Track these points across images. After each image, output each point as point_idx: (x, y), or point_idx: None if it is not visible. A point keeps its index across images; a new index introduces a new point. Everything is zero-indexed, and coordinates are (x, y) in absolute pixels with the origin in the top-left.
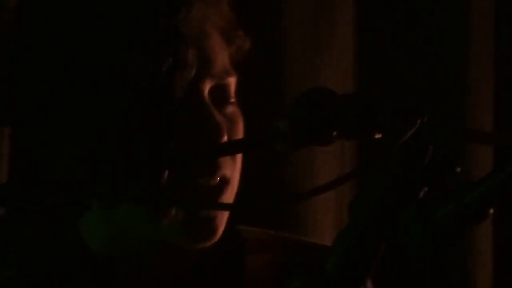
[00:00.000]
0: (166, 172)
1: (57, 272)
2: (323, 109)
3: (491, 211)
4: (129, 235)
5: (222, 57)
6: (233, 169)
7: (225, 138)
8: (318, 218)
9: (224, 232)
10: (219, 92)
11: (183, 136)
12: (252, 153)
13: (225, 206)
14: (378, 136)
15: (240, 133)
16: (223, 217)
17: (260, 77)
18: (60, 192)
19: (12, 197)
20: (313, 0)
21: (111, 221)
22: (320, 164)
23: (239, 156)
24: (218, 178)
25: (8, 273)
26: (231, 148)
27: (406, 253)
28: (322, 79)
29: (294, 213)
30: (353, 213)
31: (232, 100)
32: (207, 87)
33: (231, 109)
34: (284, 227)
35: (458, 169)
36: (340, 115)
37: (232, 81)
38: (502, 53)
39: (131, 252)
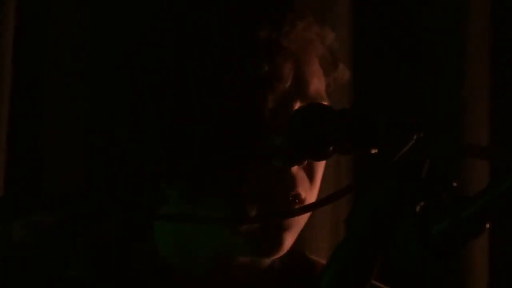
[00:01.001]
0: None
1: (121, 275)
2: (319, 124)
3: (487, 225)
4: (198, 243)
5: (317, 81)
6: (309, 191)
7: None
8: (314, 233)
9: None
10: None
11: (265, 145)
12: (249, 168)
13: (220, 220)
14: (374, 151)
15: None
16: (292, 232)
17: None
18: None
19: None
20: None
21: (182, 228)
22: None
23: (318, 179)
24: (292, 197)
25: (72, 272)
26: (229, 161)
27: (402, 267)
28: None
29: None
30: (349, 228)
31: None
32: (297, 105)
33: None
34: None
35: (455, 184)
36: (336, 130)
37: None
38: (497, 68)
39: (198, 264)
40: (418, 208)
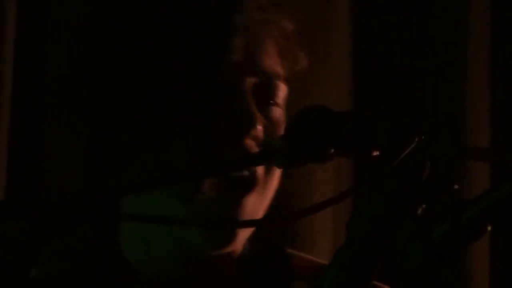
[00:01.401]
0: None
1: (84, 276)
2: (320, 127)
3: (488, 228)
4: (159, 245)
5: (271, 61)
6: (267, 175)
7: (259, 131)
8: (315, 236)
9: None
10: (264, 91)
11: (218, 122)
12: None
13: (223, 224)
14: (375, 154)
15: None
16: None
17: None
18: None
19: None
20: (309, 19)
21: (143, 232)
22: (317, 182)
23: (273, 181)
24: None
25: (33, 272)
26: (230, 165)
27: (402, 270)
28: (319, 98)
29: (291, 231)
30: (350, 231)
31: (277, 102)
32: (251, 81)
33: (274, 111)
34: (280, 245)
35: (455, 187)
36: (337, 132)
37: (279, 85)
38: (498, 72)
39: (162, 265)
40: (418, 211)
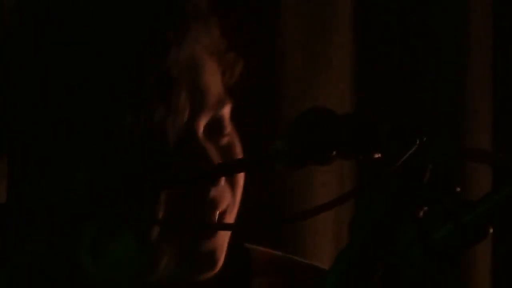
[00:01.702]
0: (165, 199)
1: None
2: (322, 128)
3: (490, 230)
4: (128, 270)
5: (216, 86)
6: (233, 200)
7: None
8: (317, 238)
9: (233, 250)
10: (214, 125)
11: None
12: (251, 173)
13: (224, 227)
14: (377, 156)
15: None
16: (224, 248)
17: (258, 98)
18: (56, 213)
19: (11, 216)
20: (311, 21)
21: (109, 255)
22: (319, 183)
23: (239, 186)
24: (218, 213)
25: None
26: (231, 169)
27: (404, 272)
28: (320, 99)
29: (293, 233)
30: (352, 233)
31: (227, 130)
32: (201, 124)
33: (226, 139)
34: (282, 247)
35: (457, 189)
36: (339, 134)
37: (227, 111)
38: (500, 72)
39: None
40: (420, 213)
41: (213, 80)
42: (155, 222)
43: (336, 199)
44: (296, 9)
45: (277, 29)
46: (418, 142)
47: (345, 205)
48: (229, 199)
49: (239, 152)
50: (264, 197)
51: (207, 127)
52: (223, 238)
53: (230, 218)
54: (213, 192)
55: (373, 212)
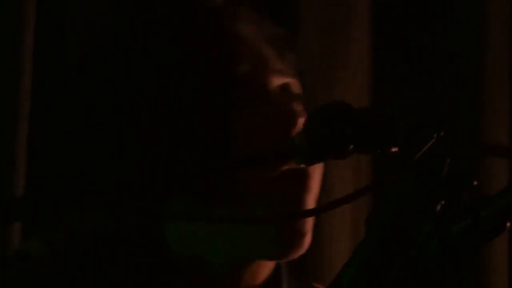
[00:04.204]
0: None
1: (136, 280)
2: (339, 123)
3: (508, 225)
4: (214, 247)
5: (278, 63)
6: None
7: (301, 121)
8: (334, 232)
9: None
10: (285, 90)
11: (252, 134)
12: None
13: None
14: (394, 150)
15: None
16: (310, 233)
17: None
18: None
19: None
20: (328, 16)
21: (196, 232)
22: (336, 178)
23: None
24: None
25: (96, 275)
26: (249, 162)
27: (421, 267)
28: (338, 95)
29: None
30: (369, 228)
31: (298, 101)
32: (272, 83)
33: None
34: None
35: (475, 183)
36: (356, 129)
37: (295, 82)
38: None
39: (213, 267)
40: (438, 208)
41: (275, 59)
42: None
43: (353, 194)
44: (314, 5)
45: (295, 26)
46: (435, 136)
47: (362, 200)
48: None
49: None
50: None
51: (283, 89)
52: (311, 222)
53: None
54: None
55: (390, 207)
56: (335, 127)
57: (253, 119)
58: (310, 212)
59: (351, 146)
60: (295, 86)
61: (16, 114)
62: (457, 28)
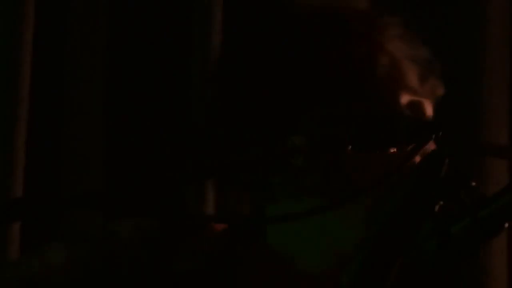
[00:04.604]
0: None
1: (230, 269)
2: (338, 123)
3: (506, 225)
4: (317, 241)
5: (415, 82)
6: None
7: None
8: None
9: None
10: (415, 108)
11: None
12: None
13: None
14: (393, 150)
15: None
16: None
17: None
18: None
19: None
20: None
21: (296, 227)
22: None
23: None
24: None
25: (177, 267)
26: (246, 163)
27: (420, 266)
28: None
29: None
30: (369, 227)
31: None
32: (402, 100)
33: None
34: None
35: (474, 183)
36: (355, 129)
37: (427, 103)
38: None
39: (316, 261)
40: (437, 208)
41: (413, 79)
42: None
43: (352, 194)
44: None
45: None
46: (434, 136)
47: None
48: None
49: None
50: None
51: (407, 107)
52: None
53: None
54: None
55: (390, 206)
56: (333, 127)
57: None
58: (310, 212)
59: (350, 147)
60: (427, 107)
61: (15, 115)
62: (457, 28)
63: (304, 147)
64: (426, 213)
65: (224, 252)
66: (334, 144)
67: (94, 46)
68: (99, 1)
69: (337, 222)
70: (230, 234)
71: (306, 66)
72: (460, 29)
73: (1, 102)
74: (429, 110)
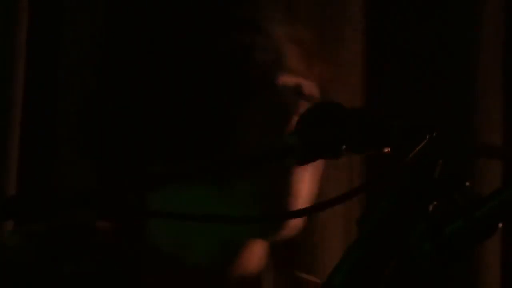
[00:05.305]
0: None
1: (117, 270)
2: (332, 123)
3: (500, 225)
4: (201, 235)
5: (296, 63)
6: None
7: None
8: (326, 232)
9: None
10: (295, 89)
11: (255, 126)
12: (262, 168)
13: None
14: (387, 150)
15: None
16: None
17: None
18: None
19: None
20: (322, 16)
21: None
22: (328, 178)
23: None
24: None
25: (66, 269)
26: (242, 163)
27: (414, 268)
28: (331, 95)
29: (302, 228)
30: (362, 228)
31: (309, 98)
32: (280, 79)
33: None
34: (292, 242)
35: (467, 184)
36: (349, 129)
37: (310, 85)
38: (511, 71)
39: (201, 254)
40: (430, 209)
41: (293, 61)
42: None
43: (345, 194)
44: (307, 4)
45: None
46: (428, 137)
47: (355, 200)
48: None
49: None
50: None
51: (286, 87)
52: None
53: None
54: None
55: (382, 207)
56: (328, 127)
57: (257, 113)
58: (303, 212)
59: (343, 147)
60: (310, 88)
61: (9, 115)
62: (450, 28)
63: (298, 146)
64: (419, 214)
65: (111, 252)
66: (328, 144)
67: (88, 44)
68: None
69: (218, 209)
70: (115, 232)
71: (187, 59)
72: (454, 29)
73: None
74: (316, 93)
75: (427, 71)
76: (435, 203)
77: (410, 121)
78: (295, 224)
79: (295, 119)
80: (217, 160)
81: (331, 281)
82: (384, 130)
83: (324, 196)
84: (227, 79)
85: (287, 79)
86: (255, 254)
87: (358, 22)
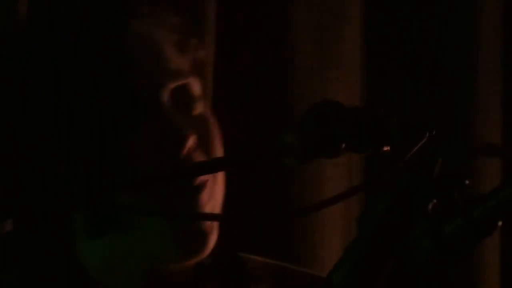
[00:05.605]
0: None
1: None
2: (331, 122)
3: (499, 224)
4: (128, 259)
5: (176, 62)
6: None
7: (190, 142)
8: (325, 231)
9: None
10: (181, 94)
11: (145, 150)
12: (260, 167)
13: (225, 218)
14: (386, 149)
15: (213, 133)
16: (214, 230)
17: (268, 91)
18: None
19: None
20: (321, 14)
21: (110, 246)
22: (327, 177)
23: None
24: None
25: (7, 277)
26: (237, 162)
27: (413, 266)
28: (330, 93)
29: (302, 227)
30: (361, 227)
31: (197, 104)
32: (165, 92)
33: (198, 109)
34: (291, 240)
35: (467, 182)
36: (348, 128)
37: (193, 81)
38: (509, 68)
39: (130, 280)
40: (430, 207)
41: (173, 58)
42: (144, 213)
43: (344, 193)
44: (306, 4)
45: (288, 23)
46: (427, 135)
47: (354, 199)
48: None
49: (213, 129)
50: (273, 191)
51: (174, 96)
52: (215, 223)
53: (211, 193)
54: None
55: (382, 206)
56: (327, 126)
57: (147, 135)
58: (303, 211)
59: (343, 145)
60: (194, 85)
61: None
62: (450, 27)
63: (297, 145)
64: (419, 212)
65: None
66: (328, 143)
67: None
68: None
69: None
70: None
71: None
72: (452, 28)
73: None
74: (197, 88)
75: (426, 71)
76: (434, 201)
77: (409, 120)
78: (212, 243)
79: (187, 135)
80: (173, 134)
81: (330, 279)
82: (383, 129)
83: (323, 194)
84: (110, 98)
85: (169, 86)
86: (181, 277)
87: (357, 21)
